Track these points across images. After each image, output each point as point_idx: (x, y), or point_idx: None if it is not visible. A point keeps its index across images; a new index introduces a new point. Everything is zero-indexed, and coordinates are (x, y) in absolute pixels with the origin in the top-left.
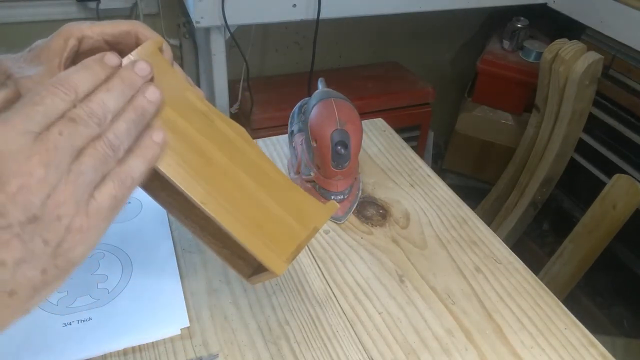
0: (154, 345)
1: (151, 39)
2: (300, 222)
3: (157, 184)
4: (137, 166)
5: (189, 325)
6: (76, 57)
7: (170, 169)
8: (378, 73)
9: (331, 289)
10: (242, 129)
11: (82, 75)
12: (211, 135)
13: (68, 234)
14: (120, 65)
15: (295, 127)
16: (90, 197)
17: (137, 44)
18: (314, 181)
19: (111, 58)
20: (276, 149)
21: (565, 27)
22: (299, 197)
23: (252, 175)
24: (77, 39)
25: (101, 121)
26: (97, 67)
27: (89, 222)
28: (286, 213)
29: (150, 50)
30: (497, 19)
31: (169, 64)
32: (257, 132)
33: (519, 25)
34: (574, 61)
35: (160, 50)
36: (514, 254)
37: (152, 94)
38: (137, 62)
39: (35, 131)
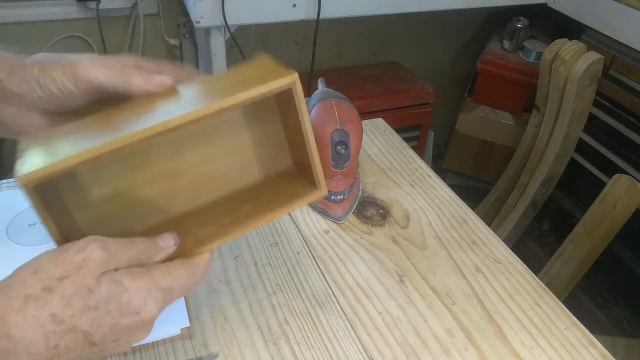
0: (154, 345)
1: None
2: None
3: None
4: None
5: (189, 325)
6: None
7: None
8: (378, 73)
9: (331, 289)
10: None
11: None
12: None
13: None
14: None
15: None
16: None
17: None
18: None
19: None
20: None
21: (565, 27)
22: None
23: None
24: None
25: None
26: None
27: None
28: None
29: None
30: (497, 19)
31: None
32: None
33: (519, 25)
34: (574, 61)
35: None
36: (514, 254)
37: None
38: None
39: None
